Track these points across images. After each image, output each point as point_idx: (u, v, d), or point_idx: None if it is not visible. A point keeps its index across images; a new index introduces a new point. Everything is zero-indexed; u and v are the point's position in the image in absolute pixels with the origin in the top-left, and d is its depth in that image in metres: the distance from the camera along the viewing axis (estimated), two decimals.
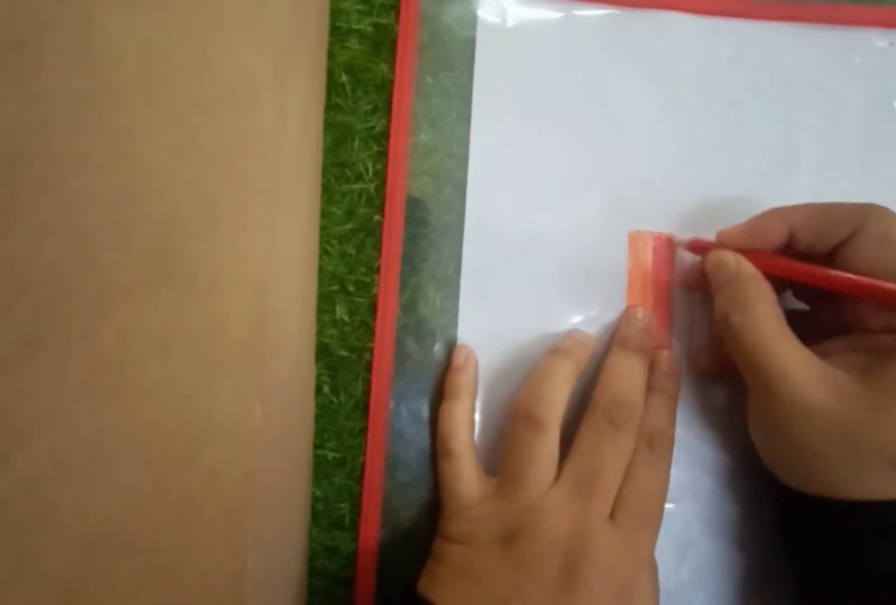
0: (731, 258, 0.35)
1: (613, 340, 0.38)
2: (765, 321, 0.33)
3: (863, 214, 0.33)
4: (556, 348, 0.38)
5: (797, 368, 0.32)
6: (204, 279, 0.26)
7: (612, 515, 0.34)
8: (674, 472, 0.37)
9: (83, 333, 0.24)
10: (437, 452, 0.38)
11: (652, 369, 0.38)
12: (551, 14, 0.41)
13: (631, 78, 0.41)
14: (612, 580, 0.33)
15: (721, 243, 0.36)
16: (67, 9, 0.23)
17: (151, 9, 0.24)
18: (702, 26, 0.41)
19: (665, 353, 0.38)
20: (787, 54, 0.41)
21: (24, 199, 0.23)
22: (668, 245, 0.40)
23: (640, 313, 0.39)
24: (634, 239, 0.40)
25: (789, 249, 0.35)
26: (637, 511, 0.34)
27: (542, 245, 0.40)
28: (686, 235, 0.40)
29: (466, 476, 0.37)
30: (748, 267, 0.35)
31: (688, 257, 0.40)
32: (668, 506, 0.39)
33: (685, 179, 0.41)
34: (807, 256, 0.34)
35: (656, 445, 0.36)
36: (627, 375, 0.37)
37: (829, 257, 0.34)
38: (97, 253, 0.25)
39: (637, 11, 0.41)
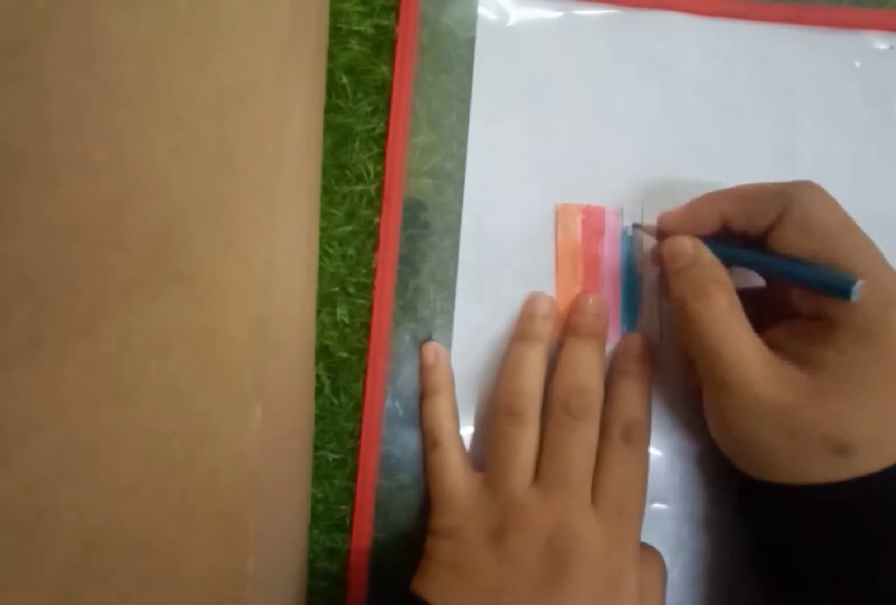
0: (688, 244, 0.35)
1: (567, 329, 0.39)
2: (720, 309, 0.33)
3: (787, 198, 0.32)
4: (522, 333, 0.39)
5: (749, 359, 0.32)
6: (204, 279, 0.26)
7: (595, 507, 0.35)
8: (666, 473, 0.38)
9: (83, 333, 0.24)
10: (424, 446, 0.39)
11: (622, 353, 0.38)
12: (551, 13, 0.41)
13: (631, 78, 0.41)
14: (599, 571, 0.33)
15: (664, 228, 0.37)
16: (67, 9, 0.23)
17: (151, 9, 0.24)
18: (702, 27, 0.41)
19: (635, 336, 0.39)
20: (788, 56, 0.41)
21: (24, 199, 0.23)
22: (599, 218, 0.40)
23: (590, 300, 0.39)
24: (563, 212, 0.40)
25: (727, 232, 0.35)
26: (619, 503, 0.35)
27: (539, 245, 0.40)
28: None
29: (454, 467, 0.37)
30: (706, 253, 0.35)
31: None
32: (659, 506, 0.39)
33: (684, 180, 0.41)
34: (745, 239, 0.34)
35: (632, 436, 0.36)
36: (580, 363, 0.37)
37: (763, 240, 0.34)
38: (97, 253, 0.25)
39: (637, 11, 0.41)
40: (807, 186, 0.33)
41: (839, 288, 0.31)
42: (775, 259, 0.33)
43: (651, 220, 0.39)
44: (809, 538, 0.32)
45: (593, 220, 0.40)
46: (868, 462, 0.30)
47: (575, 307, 0.39)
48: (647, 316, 0.40)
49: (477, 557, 0.34)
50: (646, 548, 0.36)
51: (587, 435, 0.35)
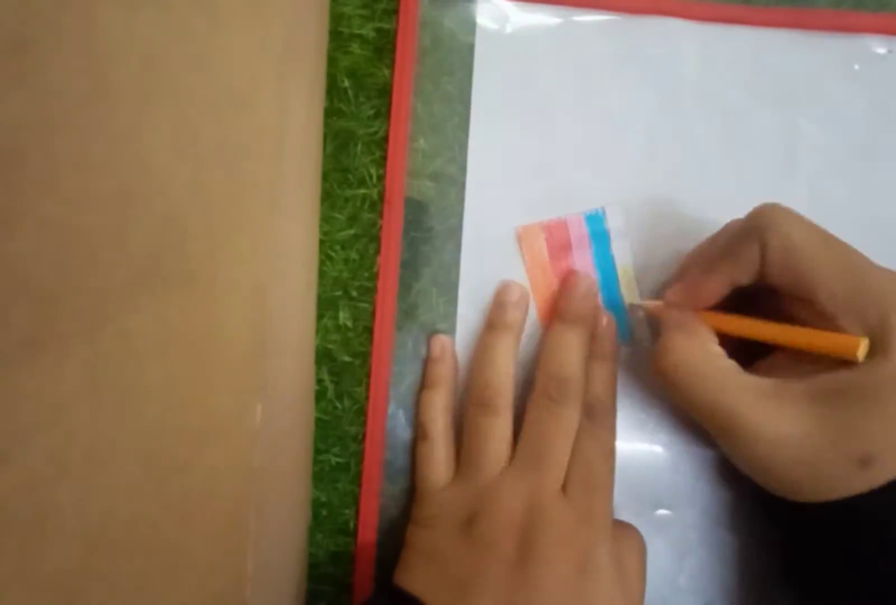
0: (671, 313, 0.36)
1: (555, 313, 0.39)
2: (696, 363, 0.34)
3: (761, 232, 0.32)
4: (491, 323, 0.39)
5: (745, 402, 0.32)
6: (204, 280, 0.26)
7: (563, 488, 0.35)
8: (671, 478, 0.39)
9: (83, 333, 0.24)
10: (415, 436, 0.39)
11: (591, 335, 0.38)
12: (550, 20, 0.41)
13: (630, 84, 0.41)
14: (568, 551, 0.33)
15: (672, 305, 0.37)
16: (67, 9, 0.23)
17: (151, 9, 0.24)
18: (701, 33, 0.41)
19: (602, 318, 0.39)
20: (787, 61, 0.41)
21: (24, 199, 0.23)
22: (562, 232, 0.40)
23: (579, 283, 0.39)
24: (524, 235, 0.40)
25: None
26: (584, 480, 0.35)
27: None
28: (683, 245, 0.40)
29: (439, 460, 0.38)
30: (686, 318, 0.35)
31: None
32: (664, 513, 0.39)
33: (684, 185, 0.40)
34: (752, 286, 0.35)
35: (596, 414, 0.36)
36: (563, 349, 0.37)
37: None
38: (97, 253, 0.25)
39: (636, 18, 0.41)
40: (772, 215, 0.33)
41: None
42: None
43: (634, 219, 0.40)
44: (842, 547, 0.32)
45: (557, 234, 0.40)
46: (892, 468, 0.31)
47: (562, 291, 0.39)
48: (634, 319, 0.40)
49: (450, 544, 0.35)
50: (621, 524, 0.36)
51: (568, 419, 0.36)
